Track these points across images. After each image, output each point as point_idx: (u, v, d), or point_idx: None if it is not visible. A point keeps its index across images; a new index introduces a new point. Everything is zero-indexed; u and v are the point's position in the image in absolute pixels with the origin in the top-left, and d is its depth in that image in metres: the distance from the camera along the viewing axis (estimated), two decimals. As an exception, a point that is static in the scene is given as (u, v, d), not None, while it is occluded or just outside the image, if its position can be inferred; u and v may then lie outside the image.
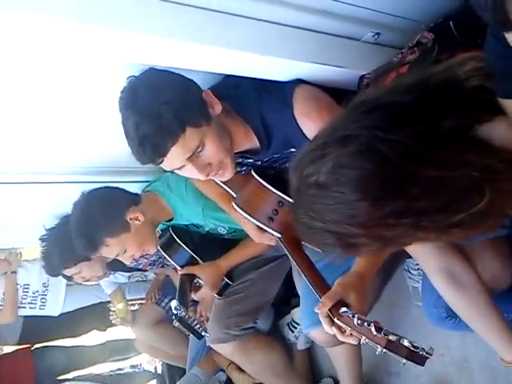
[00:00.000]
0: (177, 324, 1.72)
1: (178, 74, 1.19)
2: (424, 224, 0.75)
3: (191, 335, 1.85)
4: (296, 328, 2.43)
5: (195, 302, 2.39)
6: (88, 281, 2.30)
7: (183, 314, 1.67)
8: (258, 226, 1.46)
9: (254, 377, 2.20)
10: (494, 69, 0.75)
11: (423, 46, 1.05)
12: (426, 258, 1.16)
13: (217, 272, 1.93)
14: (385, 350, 0.94)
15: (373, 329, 0.95)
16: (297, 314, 2.42)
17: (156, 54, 1.08)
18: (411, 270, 1.83)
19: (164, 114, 1.09)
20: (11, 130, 1.49)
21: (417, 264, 1.75)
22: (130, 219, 1.73)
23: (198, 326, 1.72)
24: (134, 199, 1.79)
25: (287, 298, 2.47)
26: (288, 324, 2.49)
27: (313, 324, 1.49)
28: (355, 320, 1.00)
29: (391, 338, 0.93)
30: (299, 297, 1.82)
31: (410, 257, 1.48)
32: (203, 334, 1.75)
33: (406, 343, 0.91)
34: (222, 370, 2.39)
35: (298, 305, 2.35)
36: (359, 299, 1.14)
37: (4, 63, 1.18)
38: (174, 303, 1.69)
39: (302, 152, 0.81)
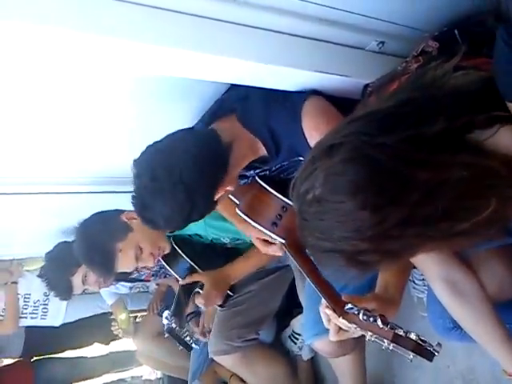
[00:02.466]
0: (166, 335, 1.71)
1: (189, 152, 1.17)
2: (429, 234, 0.75)
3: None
4: (298, 339, 2.42)
5: (198, 314, 2.38)
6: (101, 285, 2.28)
7: (173, 325, 1.67)
8: (263, 239, 1.47)
9: (256, 389, 2.18)
10: (500, 74, 0.75)
11: (428, 54, 1.04)
12: (428, 267, 1.15)
13: (224, 279, 1.91)
14: (392, 344, 0.92)
15: (379, 322, 0.94)
16: (296, 324, 2.41)
17: (161, 64, 1.08)
18: (416, 281, 1.81)
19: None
20: (13, 141, 1.49)
21: (421, 274, 1.73)
22: (127, 219, 1.76)
23: (188, 337, 1.72)
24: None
25: (290, 310, 2.45)
26: (289, 336, 2.47)
27: (316, 334, 1.49)
28: (361, 316, 0.99)
29: (398, 331, 0.92)
30: (302, 308, 1.80)
31: (415, 267, 1.47)
32: (193, 346, 1.74)
33: (413, 336, 0.90)
34: (225, 383, 2.37)
35: (299, 314, 2.34)
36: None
37: (7, 74, 1.19)
38: (165, 313, 1.70)
39: (297, 174, 0.81)
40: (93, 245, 1.74)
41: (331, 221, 0.75)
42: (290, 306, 2.40)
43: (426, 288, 1.53)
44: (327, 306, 1.08)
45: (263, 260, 1.90)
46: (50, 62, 1.15)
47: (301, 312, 2.12)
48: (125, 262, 1.76)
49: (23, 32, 0.88)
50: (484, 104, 0.77)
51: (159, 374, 3.31)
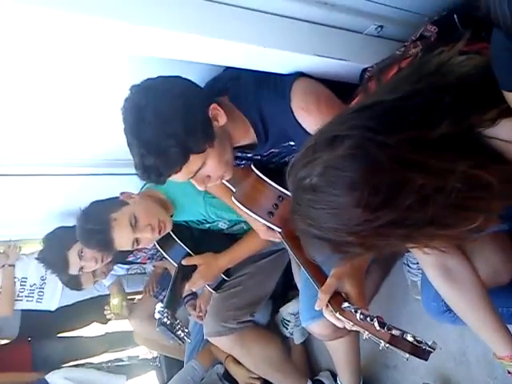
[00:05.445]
0: (158, 329, 1.68)
1: (184, 87, 1.17)
2: (414, 235, 0.78)
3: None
4: (288, 325, 2.44)
5: (194, 296, 2.40)
6: (98, 267, 2.19)
7: (165, 320, 1.64)
8: (266, 225, 1.47)
9: (251, 370, 2.20)
10: (496, 62, 0.74)
11: (426, 39, 1.04)
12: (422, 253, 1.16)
13: (216, 264, 1.92)
14: (388, 345, 0.93)
15: (376, 324, 0.95)
16: (286, 311, 2.43)
17: (159, 46, 1.07)
18: (410, 264, 1.83)
19: (169, 149, 1.11)
20: (13, 122, 1.48)
21: (416, 258, 1.75)
22: (125, 198, 1.81)
23: (180, 332, 1.70)
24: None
25: (285, 292, 2.47)
26: (281, 321, 2.49)
27: (312, 318, 1.50)
28: (358, 315, 1.00)
29: (394, 332, 0.92)
30: (297, 289, 1.82)
31: (409, 251, 1.48)
32: (185, 339, 1.73)
33: (409, 338, 0.90)
34: (220, 363, 2.39)
35: (293, 298, 2.36)
36: (355, 285, 1.15)
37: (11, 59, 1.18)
38: (158, 306, 1.66)
39: (296, 156, 0.82)
40: (88, 218, 1.78)
41: (323, 211, 0.76)
42: (286, 288, 2.42)
43: (420, 271, 1.55)
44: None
45: (257, 247, 1.92)
46: (52, 46, 1.15)
47: (296, 295, 2.14)
48: (121, 233, 1.72)
49: (21, 14, 0.87)
50: (488, 95, 0.76)
51: (156, 354, 3.34)
